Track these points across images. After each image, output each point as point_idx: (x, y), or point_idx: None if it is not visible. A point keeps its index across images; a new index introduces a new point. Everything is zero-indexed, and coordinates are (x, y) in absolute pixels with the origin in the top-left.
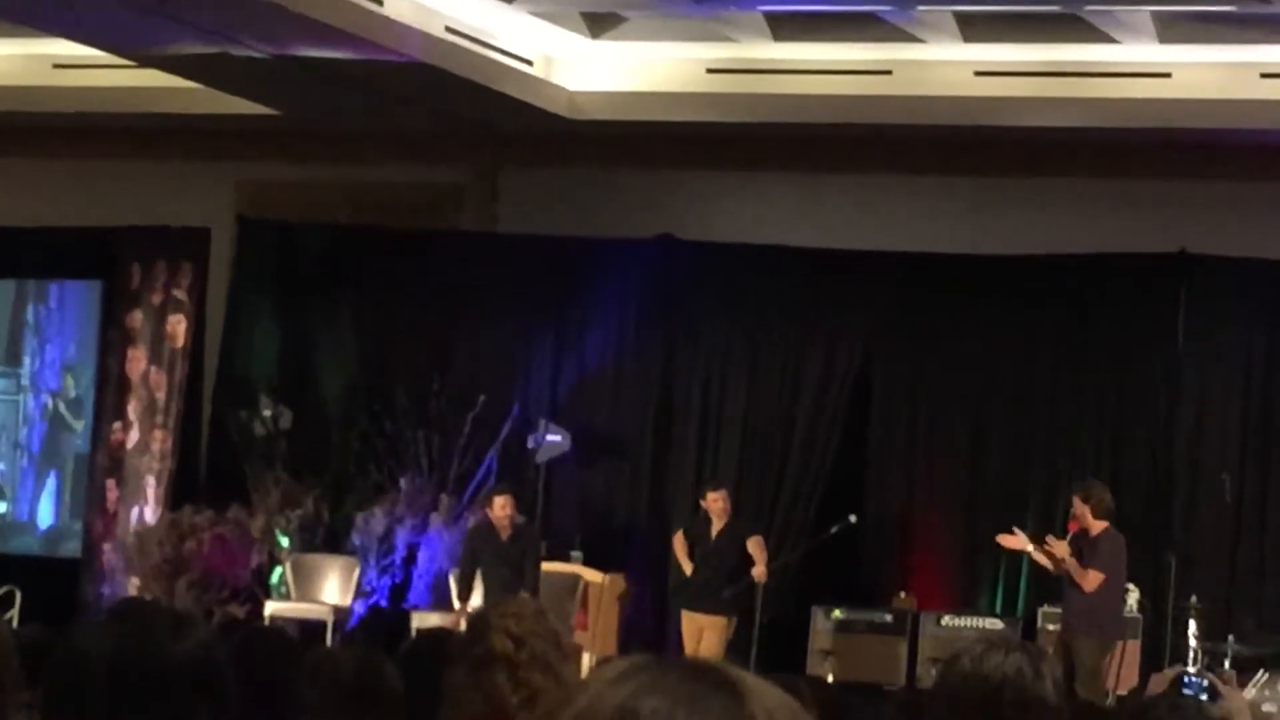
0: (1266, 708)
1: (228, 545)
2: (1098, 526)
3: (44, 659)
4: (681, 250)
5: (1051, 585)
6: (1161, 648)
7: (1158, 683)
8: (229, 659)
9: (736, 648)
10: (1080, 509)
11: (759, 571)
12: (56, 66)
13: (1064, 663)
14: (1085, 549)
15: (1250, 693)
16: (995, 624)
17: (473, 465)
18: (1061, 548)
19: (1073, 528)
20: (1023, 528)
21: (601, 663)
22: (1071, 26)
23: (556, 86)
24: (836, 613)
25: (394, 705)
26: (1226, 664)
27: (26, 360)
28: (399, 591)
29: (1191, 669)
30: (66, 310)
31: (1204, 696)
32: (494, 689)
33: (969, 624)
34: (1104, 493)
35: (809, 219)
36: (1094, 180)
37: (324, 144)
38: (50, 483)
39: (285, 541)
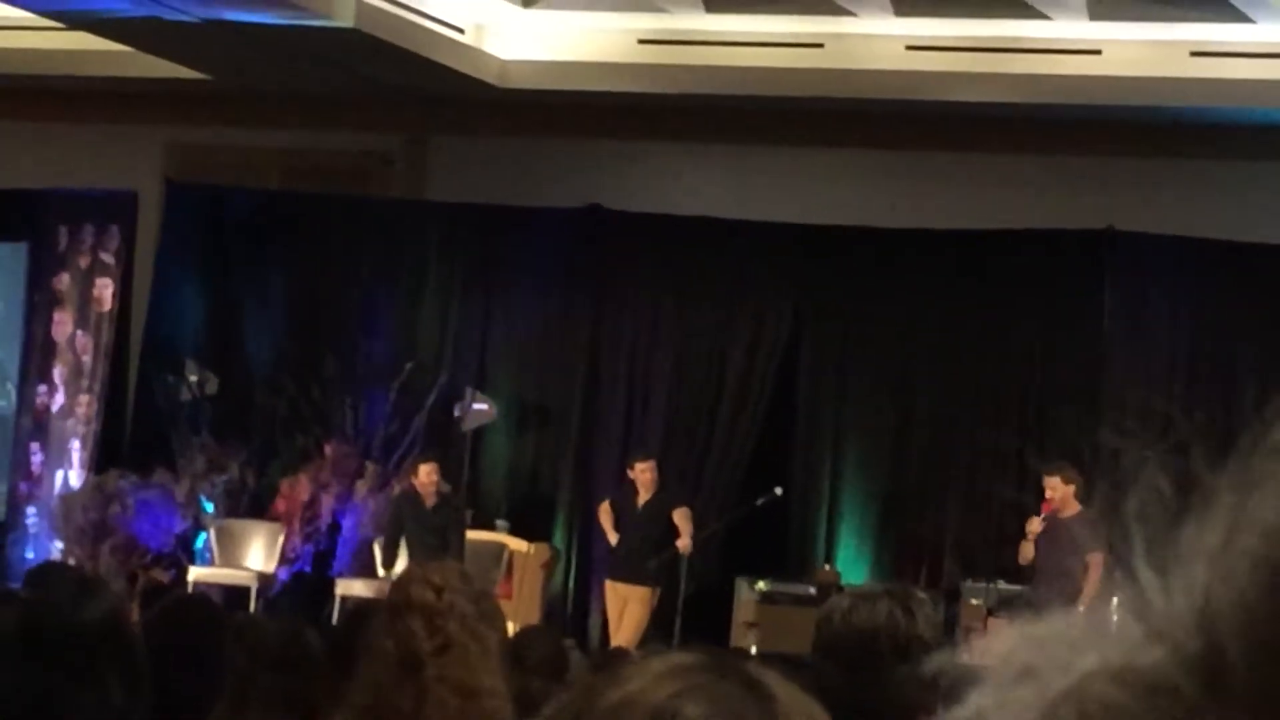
0: None
1: (152, 510)
2: (1074, 507)
3: None
4: (610, 220)
5: (975, 560)
6: None
7: None
8: (151, 623)
9: (660, 619)
10: (1062, 490)
11: (684, 543)
12: None
13: None
14: (1057, 531)
15: None
16: (921, 597)
17: (399, 433)
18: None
19: (1047, 509)
20: (945, 502)
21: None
22: (1003, 2)
23: (488, 55)
24: (760, 585)
25: (317, 673)
26: None
27: None
28: (323, 558)
29: None
30: None
31: None
32: (408, 635)
33: None
34: (1076, 473)
35: (738, 191)
36: (1023, 156)
37: (253, 108)
38: None
39: (210, 507)
